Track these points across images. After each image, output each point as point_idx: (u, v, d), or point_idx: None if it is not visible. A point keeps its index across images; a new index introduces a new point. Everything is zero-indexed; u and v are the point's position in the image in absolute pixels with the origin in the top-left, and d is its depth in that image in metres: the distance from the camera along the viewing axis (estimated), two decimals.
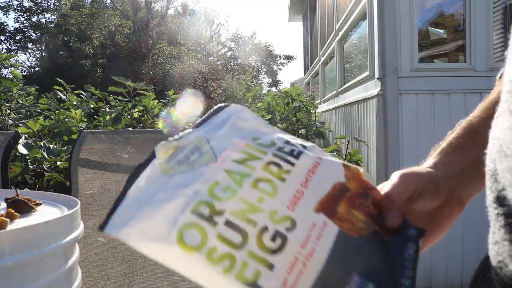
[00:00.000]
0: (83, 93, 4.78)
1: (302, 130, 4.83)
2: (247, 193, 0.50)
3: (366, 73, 3.51)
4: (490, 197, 0.45)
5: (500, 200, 0.43)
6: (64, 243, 0.64)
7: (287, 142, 0.59)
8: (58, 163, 2.36)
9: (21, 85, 3.57)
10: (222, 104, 0.63)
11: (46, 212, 0.74)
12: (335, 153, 3.71)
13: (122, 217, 0.46)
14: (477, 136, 0.64)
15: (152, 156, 0.54)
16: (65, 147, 2.48)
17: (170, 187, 0.49)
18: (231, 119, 0.61)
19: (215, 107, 0.62)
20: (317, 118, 5.09)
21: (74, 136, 3.06)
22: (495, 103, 0.62)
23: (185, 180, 0.50)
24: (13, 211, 0.68)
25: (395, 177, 0.64)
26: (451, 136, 0.68)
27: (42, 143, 2.38)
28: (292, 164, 0.55)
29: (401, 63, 3.08)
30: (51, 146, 2.38)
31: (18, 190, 0.83)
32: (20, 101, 3.88)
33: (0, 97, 3.19)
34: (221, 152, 0.55)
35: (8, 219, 0.61)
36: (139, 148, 1.63)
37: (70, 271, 0.68)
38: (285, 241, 0.48)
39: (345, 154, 3.53)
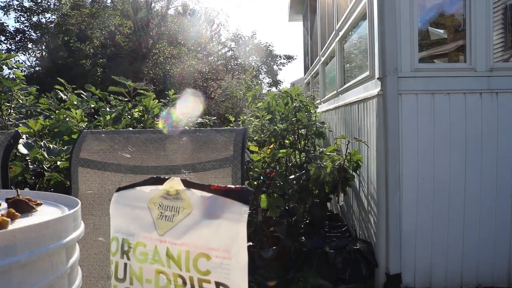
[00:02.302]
0: (83, 93, 4.78)
1: (302, 130, 4.83)
2: (146, 270, 0.66)
3: (366, 73, 3.52)
4: None
5: None
6: (65, 243, 0.64)
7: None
8: (58, 163, 2.36)
9: (22, 85, 3.56)
10: (247, 191, 0.62)
11: (46, 212, 0.74)
12: (335, 153, 3.71)
13: (117, 196, 0.72)
14: None
15: (163, 181, 0.66)
16: (65, 147, 2.48)
17: (135, 213, 0.68)
18: (223, 223, 0.63)
19: (241, 189, 0.61)
20: (317, 118, 5.09)
21: (74, 136, 3.05)
22: None
23: (141, 219, 0.67)
24: (14, 211, 0.69)
25: None
26: None
27: (42, 143, 2.38)
28: None
29: (401, 63, 3.09)
30: (51, 146, 2.38)
31: (18, 190, 0.83)
32: (21, 101, 3.88)
33: (1, 97, 3.19)
34: (176, 232, 0.64)
35: (9, 219, 0.61)
36: (139, 148, 1.63)
37: (70, 270, 0.68)
38: None
39: (345, 154, 3.53)
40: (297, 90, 4.87)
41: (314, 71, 7.71)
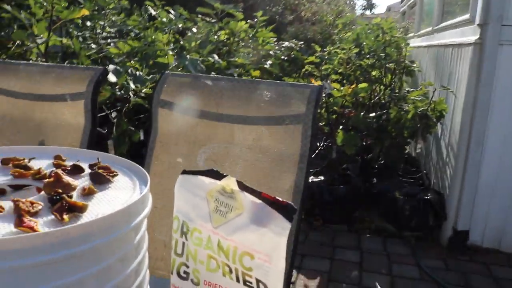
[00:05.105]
0: (172, 11, 4.84)
1: (391, 64, 4.60)
2: (200, 253, 0.74)
3: (466, 16, 3.21)
4: None
5: None
6: (133, 226, 0.71)
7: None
8: (143, 90, 2.51)
9: (114, 4, 3.68)
10: (291, 209, 0.65)
11: (120, 186, 0.81)
12: (420, 98, 3.54)
13: (181, 179, 0.80)
14: None
15: (221, 176, 0.72)
16: (150, 76, 2.61)
17: (195, 201, 0.75)
18: (271, 235, 0.67)
19: (287, 205, 0.64)
20: (407, 53, 4.81)
21: (160, 60, 3.17)
22: None
23: (199, 208, 0.74)
24: (93, 187, 0.76)
25: None
26: None
27: (129, 70, 2.52)
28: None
29: (508, 9, 2.77)
30: (137, 73, 2.52)
31: (100, 156, 0.90)
32: (113, 18, 4.03)
33: (94, 17, 3.33)
34: (227, 228, 0.70)
35: (87, 204, 0.69)
36: (215, 94, 1.68)
37: (138, 244, 0.76)
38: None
39: (430, 102, 3.36)
40: (389, 23, 4.60)
41: (411, 0, 7.15)
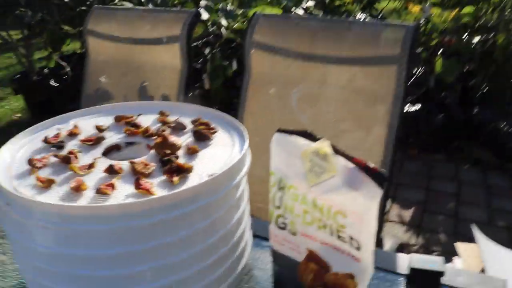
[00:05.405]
0: None
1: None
2: (296, 207, 0.74)
3: None
4: None
5: None
6: (235, 184, 0.76)
7: None
8: (235, 26, 2.52)
9: None
10: (382, 177, 0.64)
11: (219, 143, 0.85)
12: None
13: (277, 136, 0.75)
14: None
15: (315, 138, 0.72)
16: (241, 11, 2.60)
17: (290, 159, 0.75)
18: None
19: (378, 173, 0.63)
20: None
21: None
22: None
23: (295, 166, 0.74)
24: (196, 147, 0.81)
25: None
26: None
27: (220, 6, 2.53)
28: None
29: None
30: (228, 8, 2.52)
31: (200, 111, 0.94)
32: None
33: None
34: (321, 189, 0.71)
35: (192, 165, 0.74)
36: (307, 34, 1.65)
37: (239, 198, 0.81)
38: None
39: None
40: None
41: None
